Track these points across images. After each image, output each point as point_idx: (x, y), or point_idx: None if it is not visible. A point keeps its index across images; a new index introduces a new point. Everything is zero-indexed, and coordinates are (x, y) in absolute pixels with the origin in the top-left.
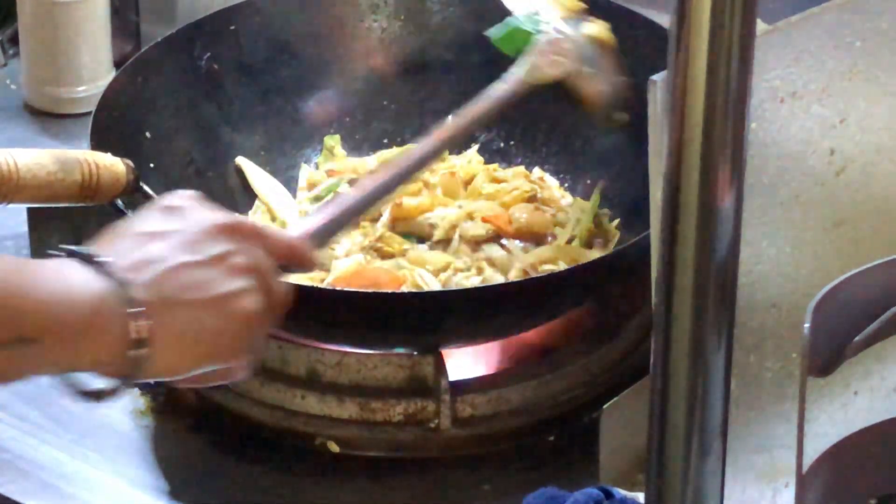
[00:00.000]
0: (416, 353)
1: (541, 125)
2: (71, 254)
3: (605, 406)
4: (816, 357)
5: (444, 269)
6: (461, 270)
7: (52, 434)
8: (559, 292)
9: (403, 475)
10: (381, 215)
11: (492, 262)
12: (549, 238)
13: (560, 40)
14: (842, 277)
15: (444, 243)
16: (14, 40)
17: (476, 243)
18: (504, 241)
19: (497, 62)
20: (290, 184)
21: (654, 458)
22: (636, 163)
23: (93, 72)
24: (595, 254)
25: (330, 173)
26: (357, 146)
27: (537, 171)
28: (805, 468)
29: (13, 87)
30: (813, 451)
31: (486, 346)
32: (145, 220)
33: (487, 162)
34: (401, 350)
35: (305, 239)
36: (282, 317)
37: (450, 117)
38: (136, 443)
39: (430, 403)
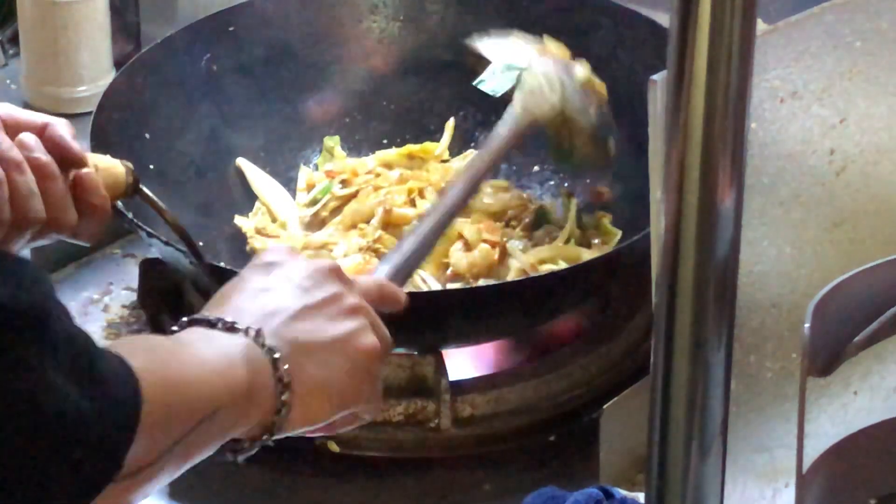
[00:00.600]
0: (416, 353)
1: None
2: (192, 322)
3: (605, 406)
4: (816, 357)
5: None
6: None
7: None
8: (560, 291)
9: (403, 475)
10: (373, 216)
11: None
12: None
13: (547, 81)
14: (842, 277)
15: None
16: (14, 40)
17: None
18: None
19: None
20: (290, 185)
21: (654, 458)
22: (636, 164)
23: (93, 72)
24: (594, 254)
25: (328, 174)
26: (357, 146)
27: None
28: (805, 468)
29: (13, 87)
30: (813, 451)
31: (487, 346)
32: (250, 279)
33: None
34: (401, 350)
35: (389, 282)
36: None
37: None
38: None
39: (430, 403)
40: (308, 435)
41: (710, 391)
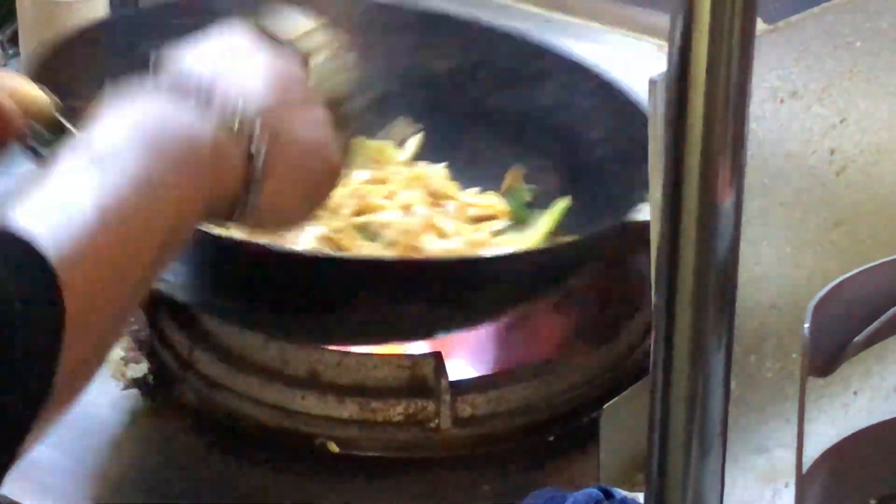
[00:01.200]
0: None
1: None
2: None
3: (605, 406)
4: (816, 357)
5: None
6: None
7: (51, 433)
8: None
9: (403, 475)
10: (340, 206)
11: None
12: None
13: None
14: (842, 277)
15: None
16: (14, 40)
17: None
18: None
19: (440, 90)
20: None
21: (654, 458)
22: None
23: None
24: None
25: None
26: None
27: None
28: (805, 468)
29: None
30: (813, 451)
31: (486, 346)
32: (229, 46)
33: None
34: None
35: None
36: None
37: None
38: (136, 443)
39: (430, 403)
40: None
41: (710, 391)
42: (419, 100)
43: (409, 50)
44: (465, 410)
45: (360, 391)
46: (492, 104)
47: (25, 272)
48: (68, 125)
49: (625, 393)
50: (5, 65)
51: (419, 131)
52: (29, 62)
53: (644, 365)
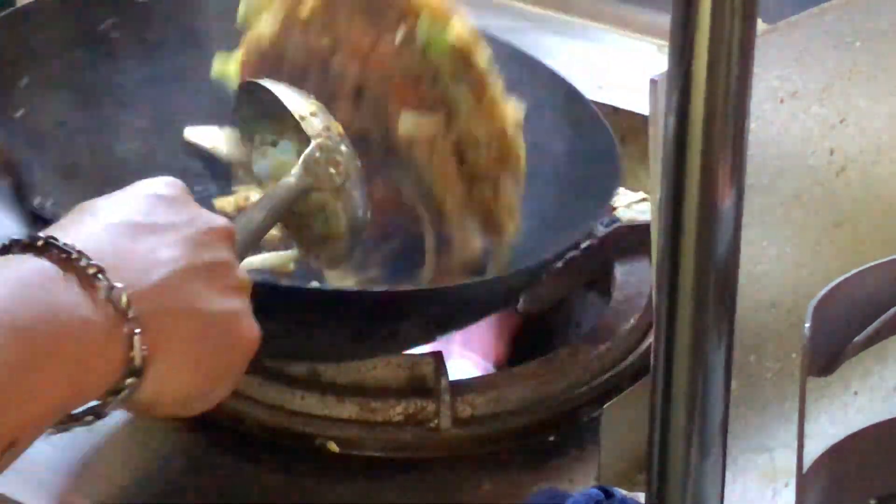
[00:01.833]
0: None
1: None
2: (30, 244)
3: (605, 406)
4: (816, 357)
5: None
6: None
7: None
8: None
9: (403, 475)
10: None
11: None
12: None
13: (334, 152)
14: (842, 277)
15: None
16: None
17: None
18: None
19: None
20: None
21: (654, 458)
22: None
23: None
24: None
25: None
26: None
27: None
28: (805, 468)
29: None
30: (813, 451)
31: (487, 346)
32: (128, 205)
33: None
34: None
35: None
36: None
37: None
38: (136, 442)
39: (430, 403)
40: (154, 415)
41: (710, 391)
42: None
43: None
44: (465, 410)
45: (359, 391)
46: None
47: None
48: None
49: (625, 393)
50: None
51: None
52: None
53: (644, 365)
